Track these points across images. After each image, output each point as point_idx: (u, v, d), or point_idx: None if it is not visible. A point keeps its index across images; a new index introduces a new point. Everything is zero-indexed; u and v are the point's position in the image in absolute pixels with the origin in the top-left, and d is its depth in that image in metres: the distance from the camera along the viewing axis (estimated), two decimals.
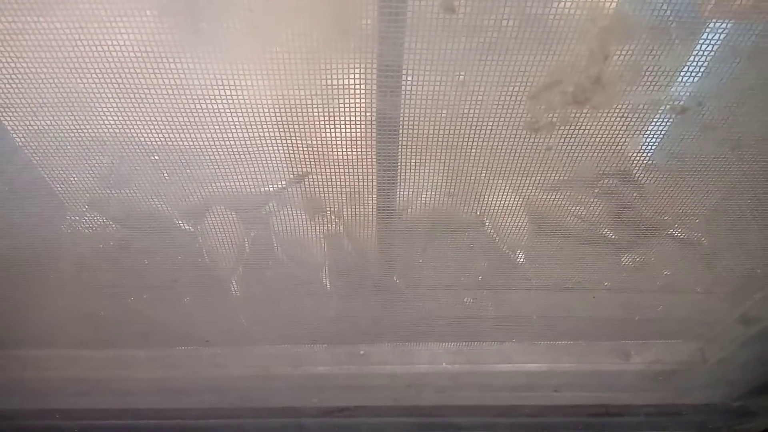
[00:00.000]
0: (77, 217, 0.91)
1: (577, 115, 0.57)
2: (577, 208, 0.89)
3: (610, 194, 0.83)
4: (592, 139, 0.61)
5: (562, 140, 0.61)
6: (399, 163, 0.76)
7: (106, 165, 0.77)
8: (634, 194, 0.83)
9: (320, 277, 0.98)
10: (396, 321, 1.00)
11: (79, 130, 0.69)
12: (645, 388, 1.03)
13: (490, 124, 0.60)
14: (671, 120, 0.60)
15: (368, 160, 0.75)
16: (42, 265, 0.91)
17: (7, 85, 0.62)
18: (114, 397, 0.99)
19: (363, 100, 0.63)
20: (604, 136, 0.61)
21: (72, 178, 0.79)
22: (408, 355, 1.01)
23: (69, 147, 0.73)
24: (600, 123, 0.58)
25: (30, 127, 0.69)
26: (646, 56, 0.50)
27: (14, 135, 0.71)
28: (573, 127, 0.59)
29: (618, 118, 0.58)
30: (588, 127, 0.59)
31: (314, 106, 0.63)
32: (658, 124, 0.60)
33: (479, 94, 0.56)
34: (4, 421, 0.99)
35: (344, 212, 0.86)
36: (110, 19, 0.54)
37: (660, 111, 0.58)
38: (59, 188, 0.81)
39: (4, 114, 0.67)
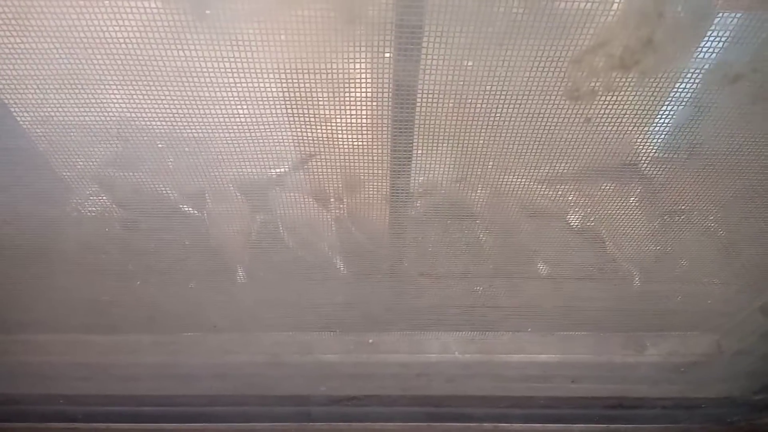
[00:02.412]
0: (83, 202, 0.90)
1: (622, 81, 0.53)
2: (597, 194, 0.87)
3: (634, 179, 0.81)
4: (634, 111, 0.58)
5: (603, 110, 0.57)
6: (415, 145, 0.73)
7: (111, 150, 0.76)
8: (659, 179, 0.81)
9: (330, 263, 0.96)
10: (406, 309, 0.98)
11: (83, 115, 0.68)
12: (661, 380, 1.01)
13: (523, 94, 0.56)
14: (721, 90, 0.56)
15: (382, 142, 0.73)
16: (47, 250, 0.90)
17: (12, 65, 0.60)
18: (119, 383, 0.98)
19: (378, 75, 0.61)
20: (648, 106, 0.57)
21: (78, 163, 0.79)
22: (418, 343, 1.00)
23: (74, 132, 0.72)
24: (645, 91, 0.54)
25: (35, 112, 0.68)
26: (702, 17, 0.47)
27: (19, 119, 0.70)
28: (616, 96, 0.55)
29: (664, 86, 0.54)
30: (632, 96, 0.55)
31: (325, 84, 0.61)
32: (706, 95, 0.56)
33: (513, 59, 0.53)
34: (9, 406, 0.98)
35: (356, 197, 0.84)
36: (113, 4, 0.52)
37: (711, 78, 0.54)
38: (65, 173, 0.80)
39: (8, 95, 0.66)
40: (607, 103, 0.57)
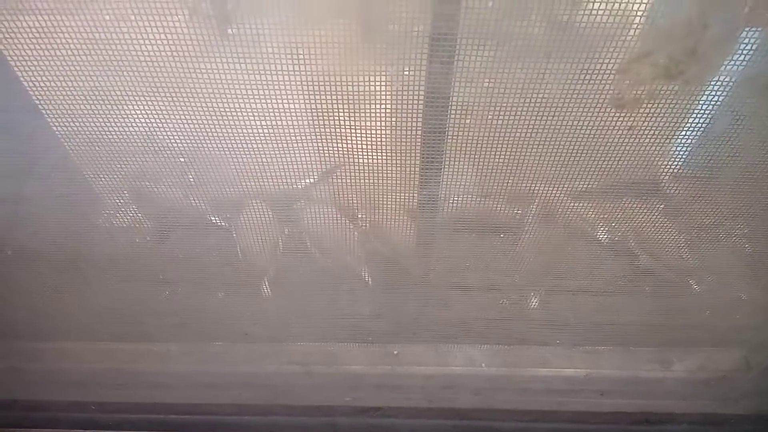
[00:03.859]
0: (114, 213, 0.92)
1: (666, 90, 0.54)
2: (625, 209, 0.87)
3: (662, 194, 0.81)
4: (677, 118, 0.58)
5: (646, 119, 0.57)
6: (444, 158, 0.74)
7: (142, 163, 0.78)
8: (688, 194, 0.81)
9: (357, 275, 0.97)
10: (432, 321, 0.98)
11: (115, 129, 0.70)
12: (688, 395, 1.00)
13: (563, 105, 0.57)
14: (760, 99, 0.56)
15: (411, 154, 0.74)
16: (80, 259, 0.92)
17: (45, 80, 0.62)
18: (149, 391, 0.99)
19: (409, 88, 0.62)
20: (691, 114, 0.57)
21: (110, 175, 0.81)
22: (444, 355, 1.00)
23: (106, 145, 0.74)
24: (689, 99, 0.55)
25: (71, 124, 0.70)
26: (743, 27, 0.47)
27: (56, 130, 0.72)
28: (660, 104, 0.55)
29: (705, 96, 0.55)
30: (675, 104, 0.56)
31: (352, 97, 0.62)
32: (744, 105, 0.57)
33: (557, 70, 0.53)
34: (41, 412, 0.99)
35: (383, 209, 0.85)
36: (141, 21, 0.54)
37: (751, 87, 0.55)
38: (98, 185, 0.82)
39: (47, 109, 0.68)
40: (649, 112, 0.57)
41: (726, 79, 0.53)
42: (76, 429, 0.99)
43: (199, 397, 0.99)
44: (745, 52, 0.52)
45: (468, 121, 0.64)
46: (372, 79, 0.60)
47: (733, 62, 0.51)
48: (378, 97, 0.62)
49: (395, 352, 1.01)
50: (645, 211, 0.87)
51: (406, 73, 0.60)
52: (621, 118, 0.57)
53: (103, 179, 0.81)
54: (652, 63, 0.49)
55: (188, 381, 0.98)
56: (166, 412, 0.99)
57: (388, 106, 0.64)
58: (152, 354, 0.99)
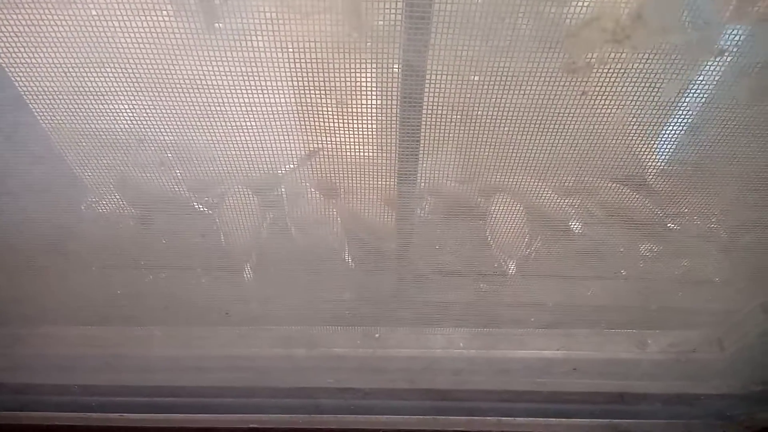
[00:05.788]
0: (98, 200, 0.92)
1: (615, 55, 0.55)
2: (599, 191, 0.89)
3: (629, 180, 0.82)
4: (628, 84, 0.59)
5: (598, 84, 0.58)
6: (422, 142, 0.75)
7: (123, 153, 0.78)
8: (655, 179, 0.83)
9: (338, 259, 0.98)
10: (413, 304, 1.00)
11: (95, 119, 0.71)
12: (662, 376, 1.03)
13: (524, 73, 0.58)
14: (709, 65, 0.57)
15: (390, 140, 0.75)
16: (64, 245, 0.93)
17: (31, 70, 0.63)
18: (132, 374, 1.00)
19: (386, 71, 0.63)
20: (640, 79, 0.58)
21: (92, 163, 0.81)
22: (424, 338, 1.01)
23: (90, 136, 0.75)
24: (637, 64, 0.56)
25: (57, 117, 0.70)
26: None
27: (41, 121, 0.73)
28: (610, 69, 0.56)
29: (654, 61, 0.56)
30: (624, 69, 0.56)
31: (334, 78, 0.63)
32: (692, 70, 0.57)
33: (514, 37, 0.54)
34: (26, 395, 1.00)
35: (364, 194, 0.86)
36: (126, 15, 0.54)
37: (697, 53, 0.55)
38: (82, 173, 0.83)
39: (34, 100, 0.68)
40: (602, 77, 0.58)
41: (675, 46, 0.54)
42: (61, 411, 1.00)
43: (182, 379, 1.00)
44: (690, 17, 0.53)
45: (445, 98, 0.65)
46: (351, 64, 0.61)
47: (681, 28, 0.52)
48: (355, 79, 0.63)
49: (376, 335, 1.02)
50: (617, 194, 0.88)
51: (395, 68, 0.61)
52: (575, 84, 0.58)
53: (87, 166, 0.82)
54: (601, 28, 0.51)
55: (171, 364, 1.00)
56: (150, 394, 1.00)
57: (365, 87, 0.65)
58: (136, 338, 1.00)
